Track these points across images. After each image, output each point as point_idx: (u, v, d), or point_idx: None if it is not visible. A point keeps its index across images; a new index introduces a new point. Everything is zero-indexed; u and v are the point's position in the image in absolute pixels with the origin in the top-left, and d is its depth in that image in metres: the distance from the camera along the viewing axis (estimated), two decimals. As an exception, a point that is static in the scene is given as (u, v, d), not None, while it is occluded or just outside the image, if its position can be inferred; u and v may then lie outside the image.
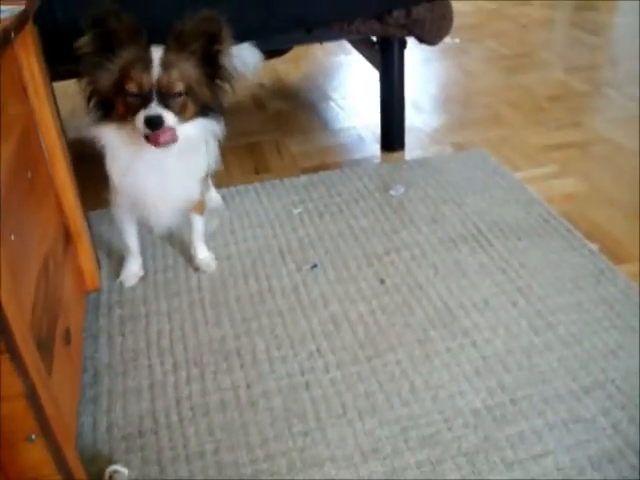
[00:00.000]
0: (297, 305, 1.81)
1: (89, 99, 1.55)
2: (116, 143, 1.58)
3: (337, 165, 2.51)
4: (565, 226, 2.06)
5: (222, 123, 1.62)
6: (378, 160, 2.56)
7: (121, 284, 1.91)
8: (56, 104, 1.67)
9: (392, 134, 2.59)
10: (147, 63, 1.45)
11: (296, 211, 2.22)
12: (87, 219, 1.84)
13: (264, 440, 1.44)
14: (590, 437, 1.41)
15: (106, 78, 1.49)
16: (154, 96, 1.45)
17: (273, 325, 1.75)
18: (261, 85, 3.31)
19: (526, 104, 2.96)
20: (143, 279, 1.93)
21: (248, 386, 1.57)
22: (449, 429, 1.45)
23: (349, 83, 3.35)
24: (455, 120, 2.88)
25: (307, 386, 1.56)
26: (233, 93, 1.60)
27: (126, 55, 1.47)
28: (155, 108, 1.45)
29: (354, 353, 1.64)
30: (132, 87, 1.46)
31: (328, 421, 1.47)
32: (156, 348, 1.70)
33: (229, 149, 2.64)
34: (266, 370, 1.61)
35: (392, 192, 2.28)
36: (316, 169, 2.48)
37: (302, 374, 1.59)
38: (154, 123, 1.45)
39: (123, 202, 1.74)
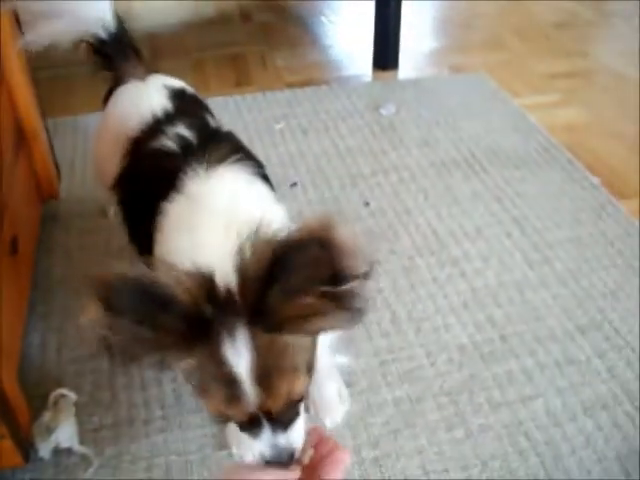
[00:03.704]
0: (273, 225, 1.66)
1: None
2: None
3: (325, 81, 2.33)
4: (566, 157, 1.92)
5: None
6: (369, 79, 2.38)
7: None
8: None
9: (386, 51, 2.39)
10: (232, 384, 0.73)
11: (278, 126, 2.05)
12: (46, 124, 1.67)
13: (228, 368, 1.31)
14: (584, 380, 1.30)
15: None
16: (264, 426, 0.78)
17: (245, 245, 1.60)
18: (248, -4, 3.08)
19: (530, 30, 2.76)
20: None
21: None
22: (432, 365, 1.33)
23: (342, -1, 3.14)
24: (453, 42, 2.69)
25: (279, 312, 1.42)
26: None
27: (190, 361, 0.74)
28: (273, 447, 0.79)
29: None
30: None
31: (300, 351, 1.35)
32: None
33: (209, 59, 2.47)
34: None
35: (382, 111, 2.11)
36: (302, 84, 2.30)
37: (274, 299, 1.45)
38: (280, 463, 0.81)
39: None
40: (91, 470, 1.15)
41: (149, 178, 1.08)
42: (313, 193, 1.76)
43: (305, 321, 0.69)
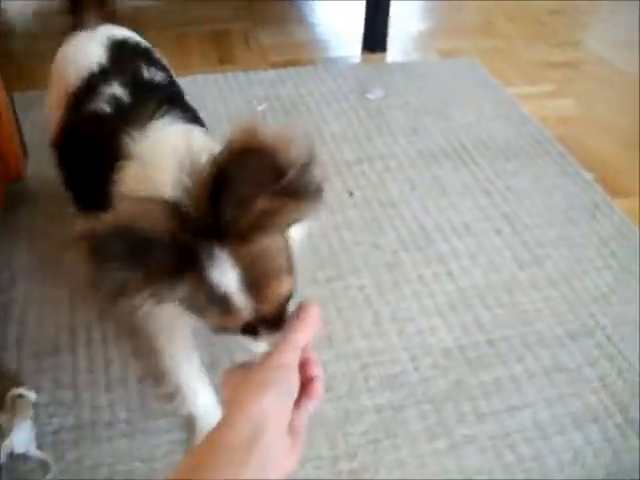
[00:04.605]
0: (251, 214, 1.57)
1: None
2: None
3: (311, 62, 2.24)
4: (558, 150, 1.85)
5: None
6: (357, 60, 2.29)
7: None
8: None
9: (375, 33, 2.30)
10: (225, 300, 0.74)
11: (260, 107, 1.95)
12: (12, 99, 1.56)
13: (199, 369, 1.23)
14: (574, 390, 1.24)
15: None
16: (260, 329, 0.81)
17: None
18: (233, -30, 2.97)
19: (524, 15, 2.68)
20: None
21: (186, 305, 1.35)
22: (415, 369, 1.26)
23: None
24: (443, 26, 2.60)
25: (255, 309, 1.35)
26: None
27: (181, 290, 0.74)
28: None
29: (312, 273, 1.43)
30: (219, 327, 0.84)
31: (276, 351, 1.27)
32: (85, 252, 1.46)
33: (192, 35, 2.37)
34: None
35: (369, 96, 2.02)
36: (287, 64, 2.20)
37: (250, 294, 1.37)
38: None
39: None
40: (49, 476, 1.08)
41: (89, 145, 1.06)
42: (295, 181, 1.68)
43: (269, 222, 0.70)
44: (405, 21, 2.55)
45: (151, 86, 1.14)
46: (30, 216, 1.55)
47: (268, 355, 0.66)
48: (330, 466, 1.10)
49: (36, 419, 1.14)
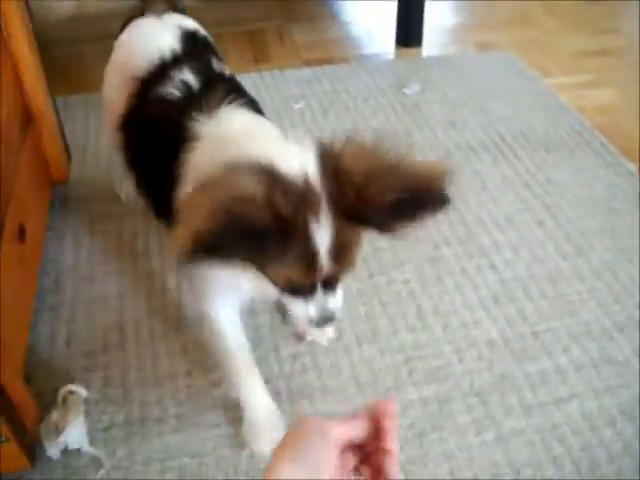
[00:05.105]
0: (292, 212, 1.58)
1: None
2: None
3: (345, 59, 2.24)
4: (599, 140, 1.82)
5: None
6: (392, 56, 2.29)
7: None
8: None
9: (409, 27, 2.30)
10: (311, 259, 0.84)
11: (297, 106, 1.96)
12: (55, 104, 1.58)
13: (246, 364, 1.24)
14: (622, 382, 1.23)
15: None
16: (318, 290, 0.91)
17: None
18: (266, -31, 2.98)
19: (560, 4, 2.65)
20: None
21: (231, 301, 1.36)
22: (460, 362, 1.26)
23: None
24: (479, 18, 2.58)
25: (299, 305, 1.35)
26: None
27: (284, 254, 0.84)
28: (321, 309, 0.93)
29: (355, 269, 1.43)
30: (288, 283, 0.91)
31: (320, 345, 1.28)
32: (129, 251, 1.49)
33: (227, 35, 2.38)
34: (252, 284, 1.40)
35: (406, 90, 2.02)
36: (322, 62, 2.21)
37: (294, 290, 1.38)
38: (322, 324, 0.97)
39: None
40: (102, 472, 1.10)
41: (158, 127, 1.11)
42: (334, 177, 1.69)
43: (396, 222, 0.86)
44: (440, 15, 2.54)
45: (220, 76, 1.18)
46: (75, 218, 1.57)
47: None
48: (378, 459, 1.10)
49: (87, 416, 1.15)
